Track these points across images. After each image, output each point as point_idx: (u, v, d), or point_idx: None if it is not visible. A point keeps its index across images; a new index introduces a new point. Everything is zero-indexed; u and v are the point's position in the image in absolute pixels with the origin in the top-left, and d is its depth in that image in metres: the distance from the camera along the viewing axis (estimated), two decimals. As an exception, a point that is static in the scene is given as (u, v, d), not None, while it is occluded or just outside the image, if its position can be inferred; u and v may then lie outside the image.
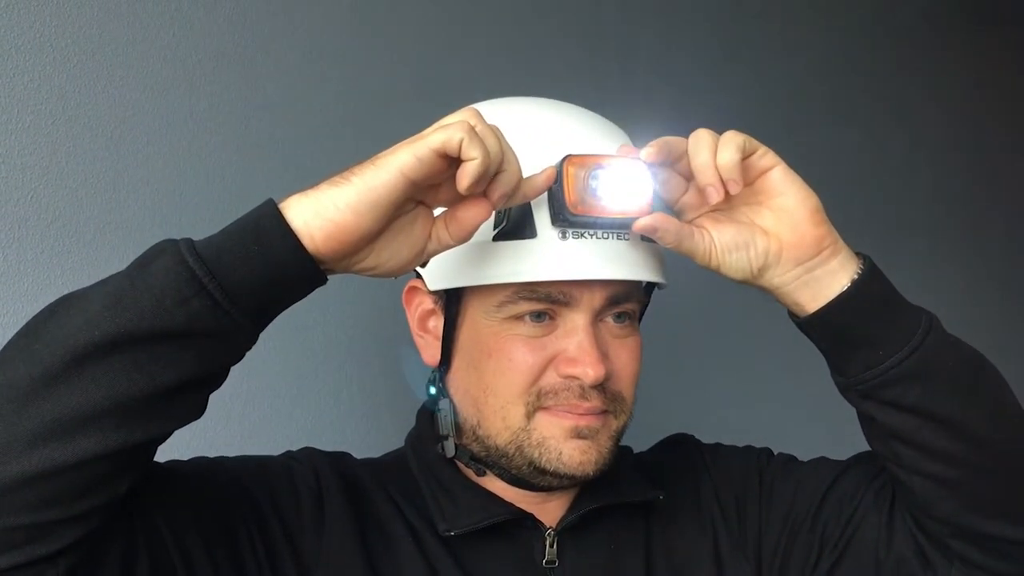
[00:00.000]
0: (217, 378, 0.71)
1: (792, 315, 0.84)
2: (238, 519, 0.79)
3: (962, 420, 0.79)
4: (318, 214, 0.68)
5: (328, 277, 0.72)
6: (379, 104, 1.33)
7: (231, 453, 0.88)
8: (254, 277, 0.67)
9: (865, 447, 0.89)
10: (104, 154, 1.09)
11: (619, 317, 0.86)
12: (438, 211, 0.76)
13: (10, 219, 1.03)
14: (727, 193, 0.78)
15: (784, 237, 0.80)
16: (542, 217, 0.81)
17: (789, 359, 1.43)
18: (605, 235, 0.82)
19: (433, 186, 0.73)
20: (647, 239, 0.83)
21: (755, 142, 0.80)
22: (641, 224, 0.79)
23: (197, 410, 0.71)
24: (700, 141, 0.79)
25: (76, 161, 1.07)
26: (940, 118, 2.23)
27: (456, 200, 0.74)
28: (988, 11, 2.37)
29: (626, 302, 0.86)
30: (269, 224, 0.68)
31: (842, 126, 2.00)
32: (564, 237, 0.81)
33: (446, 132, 0.69)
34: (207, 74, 1.18)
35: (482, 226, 0.78)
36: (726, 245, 0.81)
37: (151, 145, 1.13)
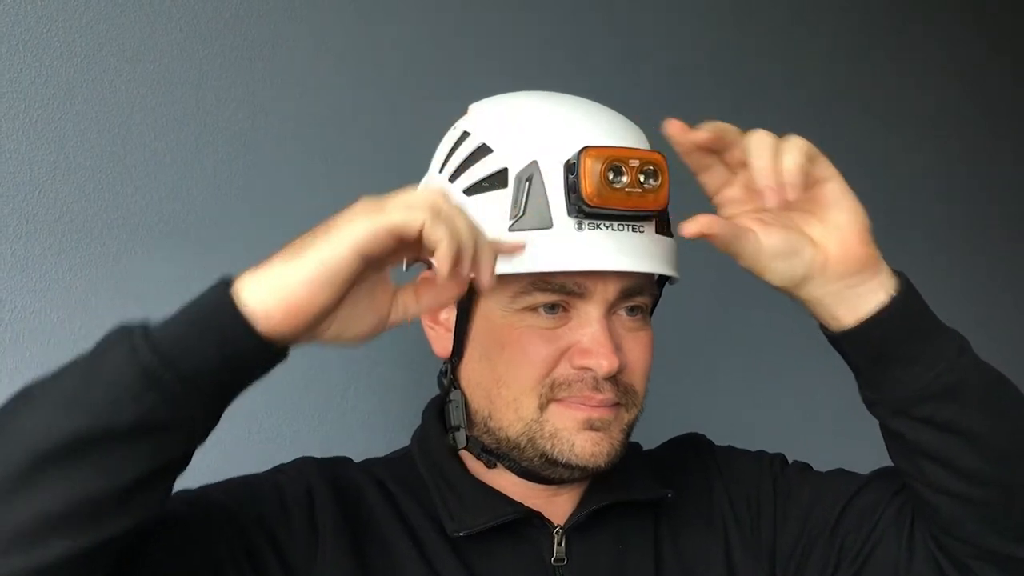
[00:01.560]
0: (180, 464, 0.69)
1: (824, 328, 0.82)
2: (225, 554, 0.78)
3: (991, 438, 0.79)
4: (271, 293, 0.65)
5: (290, 351, 0.69)
6: (387, 99, 1.32)
7: (236, 451, 0.88)
8: (210, 367, 0.65)
9: (875, 446, 0.88)
10: (111, 149, 1.09)
11: (632, 310, 0.86)
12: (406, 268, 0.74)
13: (17, 214, 1.03)
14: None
15: (831, 250, 0.78)
16: (558, 208, 0.81)
17: (799, 357, 1.43)
18: (621, 227, 0.82)
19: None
20: (662, 232, 0.83)
21: (816, 150, 0.77)
22: (692, 229, 0.74)
23: (164, 496, 0.69)
24: (762, 142, 0.76)
25: (83, 156, 1.07)
26: (941, 117, 2.23)
27: (411, 260, 0.72)
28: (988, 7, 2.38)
29: (639, 295, 0.85)
30: (223, 311, 0.65)
31: (842, 125, 1.99)
32: (580, 228, 0.81)
33: (407, 214, 0.66)
34: (215, 69, 1.17)
35: (497, 217, 0.77)
36: (773, 250, 0.78)
37: (158, 140, 1.12)
